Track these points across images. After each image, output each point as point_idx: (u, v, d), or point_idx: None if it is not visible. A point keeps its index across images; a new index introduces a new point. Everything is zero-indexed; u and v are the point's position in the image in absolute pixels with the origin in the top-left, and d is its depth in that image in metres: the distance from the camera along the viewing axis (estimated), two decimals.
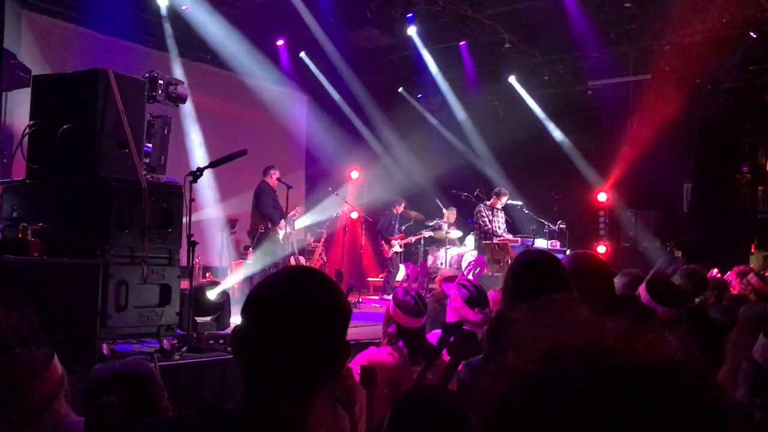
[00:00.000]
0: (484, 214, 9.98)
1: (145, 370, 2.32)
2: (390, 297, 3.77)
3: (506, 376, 0.73)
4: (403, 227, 11.99)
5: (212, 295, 5.79)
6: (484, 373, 0.76)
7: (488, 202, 10.24)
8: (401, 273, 11.73)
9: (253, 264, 9.08)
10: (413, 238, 12.01)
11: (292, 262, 9.57)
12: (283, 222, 9.68)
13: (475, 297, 3.67)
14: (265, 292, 1.37)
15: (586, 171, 12.45)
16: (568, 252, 10.13)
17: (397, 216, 11.68)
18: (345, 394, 2.31)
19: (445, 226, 12.04)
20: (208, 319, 5.63)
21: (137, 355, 4.84)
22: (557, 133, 13.10)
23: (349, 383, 2.39)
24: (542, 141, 13.03)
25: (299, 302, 1.33)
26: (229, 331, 5.63)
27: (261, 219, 9.39)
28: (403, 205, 11.65)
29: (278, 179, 9.54)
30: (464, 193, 11.09)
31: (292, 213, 10.04)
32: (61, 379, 2.43)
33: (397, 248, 11.53)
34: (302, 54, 12.72)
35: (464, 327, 3.28)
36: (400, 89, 14.02)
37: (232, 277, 8.88)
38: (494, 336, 2.47)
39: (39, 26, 9.44)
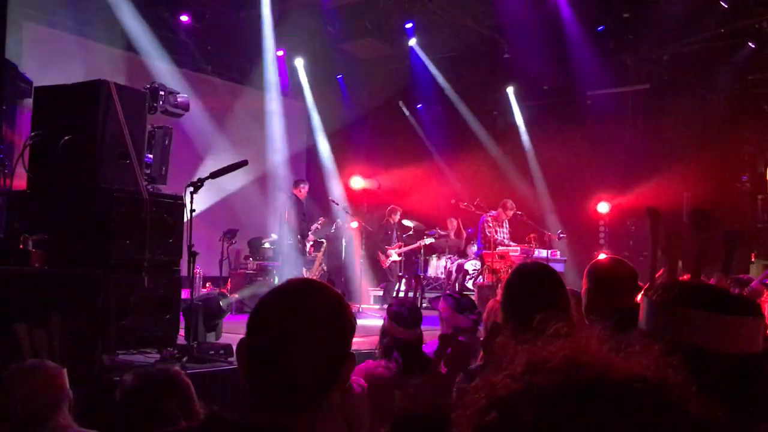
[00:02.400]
0: (490, 225, 9.99)
1: (181, 377, 2.34)
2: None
3: (485, 391, 0.72)
4: (404, 236, 11.95)
5: (224, 305, 5.85)
6: (469, 387, 0.75)
7: (493, 213, 10.25)
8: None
9: (279, 276, 9.27)
10: (416, 245, 11.95)
11: (304, 273, 9.62)
12: (310, 235, 9.81)
13: (462, 302, 3.73)
14: (270, 305, 1.39)
15: (586, 180, 12.46)
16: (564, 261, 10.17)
17: (394, 225, 11.61)
18: (348, 406, 2.31)
19: (447, 235, 12.05)
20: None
21: (138, 364, 4.84)
22: (556, 143, 13.11)
23: (351, 396, 2.39)
24: (541, 150, 13.05)
25: (304, 314, 1.35)
26: (230, 341, 5.63)
27: (289, 232, 9.44)
28: (399, 213, 11.58)
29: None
30: (464, 202, 11.10)
31: (315, 225, 10.10)
32: (66, 391, 2.46)
33: (394, 257, 11.47)
34: (302, 64, 12.74)
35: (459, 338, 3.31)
36: (400, 100, 14.03)
37: (249, 288, 9.06)
38: (489, 347, 2.48)
39: (40, 37, 9.47)
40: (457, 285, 11.10)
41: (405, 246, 11.71)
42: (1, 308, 3.82)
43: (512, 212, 10.21)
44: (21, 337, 2.43)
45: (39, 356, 2.43)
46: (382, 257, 11.26)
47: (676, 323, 1.21)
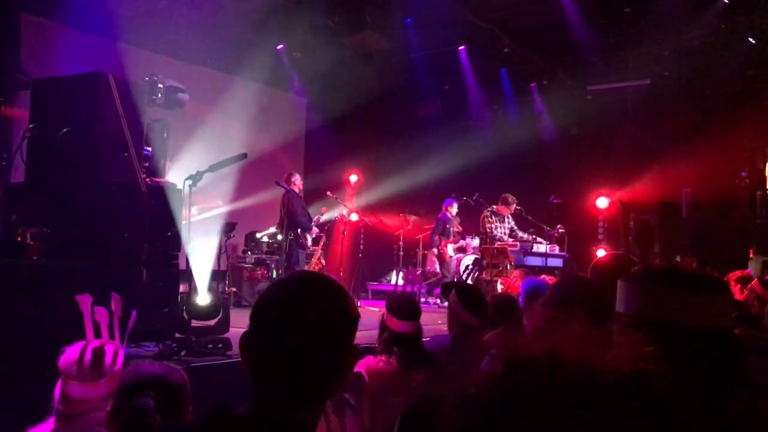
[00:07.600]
0: (490, 220, 9.95)
1: (182, 377, 2.32)
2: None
3: (467, 391, 0.72)
4: (402, 231, 11.92)
5: (201, 300, 5.74)
6: (452, 387, 0.74)
7: (495, 208, 10.21)
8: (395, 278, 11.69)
9: (277, 269, 9.41)
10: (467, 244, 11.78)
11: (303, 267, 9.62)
12: (314, 228, 9.80)
13: (473, 300, 3.66)
14: (272, 298, 1.39)
15: (585, 175, 12.45)
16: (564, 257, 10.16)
17: (452, 219, 11.06)
18: (354, 399, 2.30)
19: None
20: (212, 322, 5.58)
21: (137, 358, 4.81)
22: (556, 138, 13.10)
23: (358, 388, 2.38)
24: (541, 145, 13.04)
25: (307, 307, 1.34)
26: (228, 335, 5.61)
27: (291, 226, 9.41)
28: (455, 206, 11.07)
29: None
30: (463, 197, 11.07)
31: (317, 217, 10.08)
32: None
33: (450, 252, 11.04)
34: (301, 57, 12.69)
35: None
36: (399, 93, 13.99)
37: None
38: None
39: (39, 29, 9.42)
40: (456, 280, 11.05)
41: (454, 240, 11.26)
42: None
43: (514, 206, 10.17)
44: (84, 310, 2.38)
45: (98, 333, 2.38)
46: (446, 249, 10.88)
47: (651, 303, 1.26)
